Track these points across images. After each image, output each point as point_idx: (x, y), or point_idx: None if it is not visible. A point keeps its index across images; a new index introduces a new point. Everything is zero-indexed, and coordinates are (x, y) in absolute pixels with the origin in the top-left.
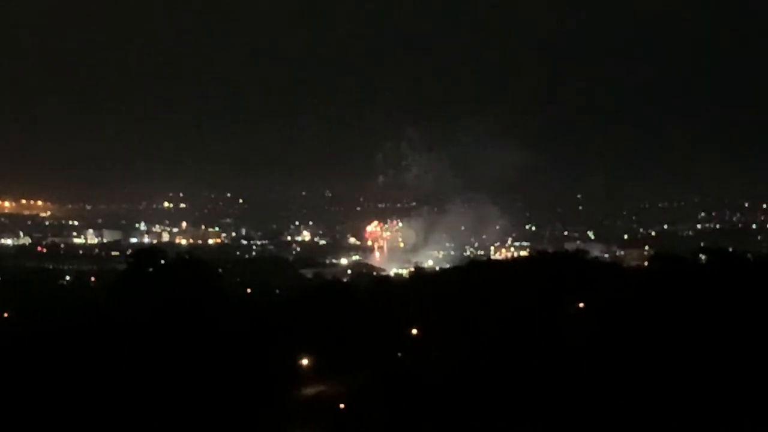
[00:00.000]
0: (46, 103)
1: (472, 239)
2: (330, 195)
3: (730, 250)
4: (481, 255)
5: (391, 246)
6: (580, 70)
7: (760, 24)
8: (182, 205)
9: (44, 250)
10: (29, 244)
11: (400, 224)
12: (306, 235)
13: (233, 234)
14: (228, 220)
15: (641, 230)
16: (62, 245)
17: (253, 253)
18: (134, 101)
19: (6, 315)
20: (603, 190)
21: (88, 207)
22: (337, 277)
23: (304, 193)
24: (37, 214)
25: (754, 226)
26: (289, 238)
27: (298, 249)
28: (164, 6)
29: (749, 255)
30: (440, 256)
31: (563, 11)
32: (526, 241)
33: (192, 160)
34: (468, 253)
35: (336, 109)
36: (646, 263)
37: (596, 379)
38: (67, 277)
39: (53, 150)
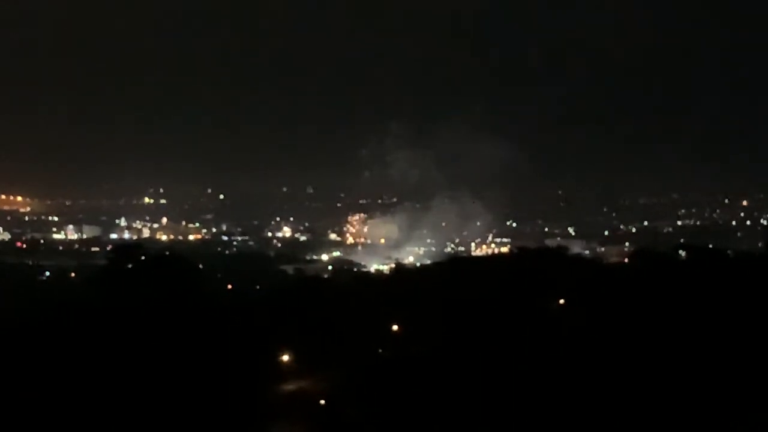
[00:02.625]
0: (25, 99)
1: (453, 235)
2: (311, 191)
3: (710, 246)
4: (461, 251)
5: (372, 242)
6: (564, 68)
7: (739, 26)
8: (162, 201)
9: (24, 246)
10: (8, 239)
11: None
12: (287, 231)
13: (214, 230)
14: (208, 215)
15: (621, 227)
16: (42, 241)
17: (234, 249)
18: (114, 97)
19: None
20: (583, 186)
21: (68, 203)
22: (318, 273)
23: (285, 189)
24: (17, 210)
25: (734, 223)
26: (269, 234)
27: (279, 245)
28: (145, 2)
29: (729, 251)
30: (421, 252)
31: (549, 9)
32: (506, 237)
33: (172, 155)
34: (449, 249)
35: (317, 104)
36: (626, 259)
37: (578, 376)
38: (47, 273)
39: (33, 146)
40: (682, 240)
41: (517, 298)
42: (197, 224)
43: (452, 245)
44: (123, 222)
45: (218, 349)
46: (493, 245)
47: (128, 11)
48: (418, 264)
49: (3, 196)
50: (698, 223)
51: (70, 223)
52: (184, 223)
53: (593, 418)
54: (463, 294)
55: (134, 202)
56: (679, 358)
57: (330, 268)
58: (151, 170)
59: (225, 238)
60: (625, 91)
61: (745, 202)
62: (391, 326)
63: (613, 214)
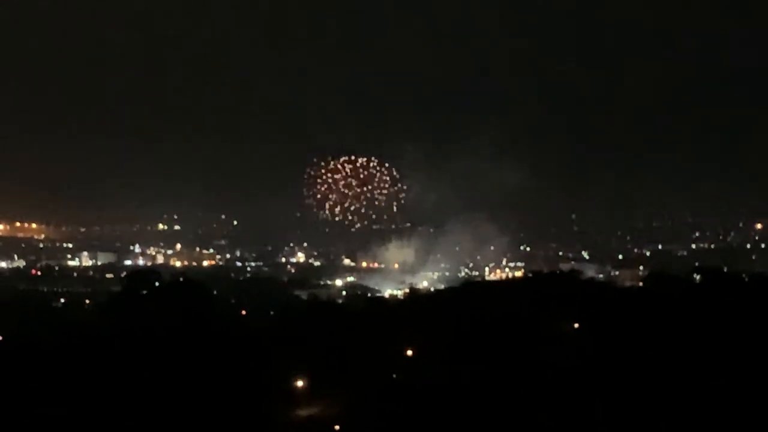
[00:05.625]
0: (40, 125)
1: (467, 260)
2: (325, 216)
3: (725, 269)
4: (475, 276)
5: (386, 267)
6: (576, 92)
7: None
8: (176, 227)
9: (38, 273)
10: (23, 266)
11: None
12: (300, 257)
13: (228, 255)
14: (222, 241)
15: (635, 250)
16: (56, 268)
17: (248, 275)
18: (129, 124)
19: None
20: (597, 210)
21: (83, 229)
22: (332, 298)
23: (298, 214)
24: (32, 237)
25: (748, 246)
26: (283, 259)
27: (293, 270)
28: (156, 27)
29: (743, 274)
30: (435, 277)
31: (560, 34)
32: (520, 261)
33: (186, 181)
34: (463, 273)
35: (331, 128)
36: (640, 283)
37: (592, 399)
38: (62, 300)
39: (47, 173)
40: (696, 263)
41: (531, 323)
42: (211, 250)
43: (466, 270)
44: (137, 248)
45: (233, 374)
46: (507, 269)
47: (144, 39)
48: (432, 289)
49: (18, 224)
50: (712, 246)
51: (85, 250)
52: (198, 248)
53: None
54: (477, 319)
55: (148, 228)
56: (694, 381)
57: (344, 293)
58: (164, 197)
59: (239, 263)
60: (639, 114)
61: (759, 225)
62: (404, 351)
63: (627, 238)
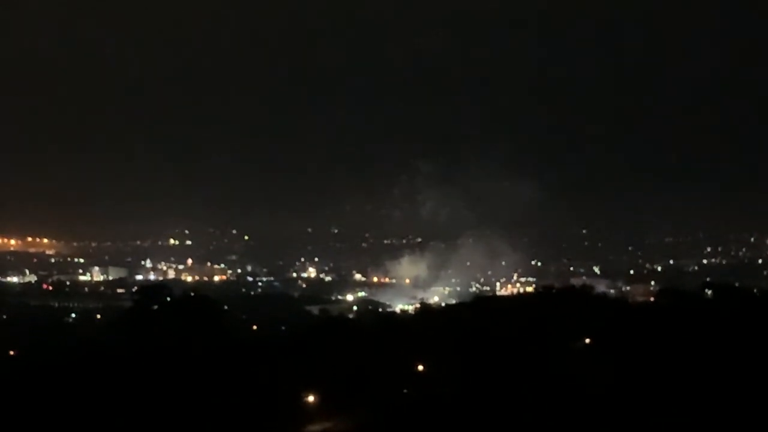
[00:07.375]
0: (51, 141)
1: (478, 275)
2: (336, 231)
3: (736, 285)
4: (486, 291)
5: (397, 282)
6: (587, 107)
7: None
8: (188, 242)
9: (50, 288)
10: (35, 281)
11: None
12: (312, 272)
13: (239, 271)
14: (233, 256)
15: (647, 265)
16: (68, 283)
17: (259, 290)
18: (140, 139)
19: (12, 353)
20: (608, 225)
21: (94, 244)
22: (343, 314)
23: (309, 229)
24: (43, 252)
25: (760, 261)
26: (294, 274)
27: (304, 285)
28: (168, 46)
29: (755, 290)
30: (446, 292)
31: (570, 50)
32: (531, 276)
33: (197, 197)
34: (474, 289)
35: (343, 144)
36: (652, 298)
37: (605, 415)
38: (73, 315)
39: (59, 188)
40: (708, 279)
41: (542, 338)
42: (222, 265)
43: (477, 285)
44: (148, 263)
45: (243, 389)
46: (518, 284)
47: (155, 57)
48: (443, 304)
49: (29, 239)
50: (724, 261)
51: (96, 265)
52: (209, 264)
53: None
54: (488, 334)
55: (159, 243)
56: (706, 398)
57: (355, 308)
58: (176, 212)
59: (250, 278)
60: (651, 130)
61: None
62: (416, 366)
63: (639, 253)
